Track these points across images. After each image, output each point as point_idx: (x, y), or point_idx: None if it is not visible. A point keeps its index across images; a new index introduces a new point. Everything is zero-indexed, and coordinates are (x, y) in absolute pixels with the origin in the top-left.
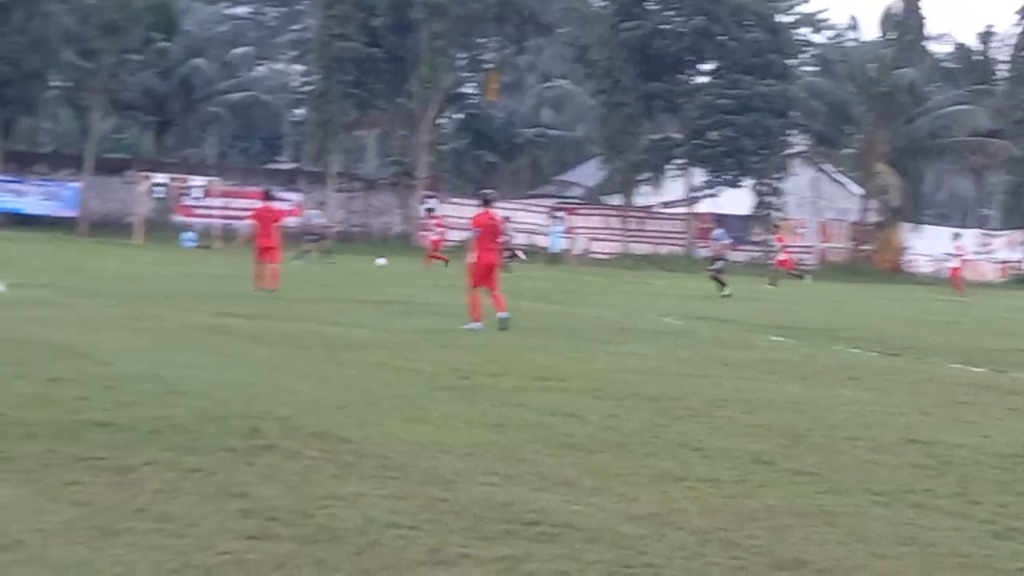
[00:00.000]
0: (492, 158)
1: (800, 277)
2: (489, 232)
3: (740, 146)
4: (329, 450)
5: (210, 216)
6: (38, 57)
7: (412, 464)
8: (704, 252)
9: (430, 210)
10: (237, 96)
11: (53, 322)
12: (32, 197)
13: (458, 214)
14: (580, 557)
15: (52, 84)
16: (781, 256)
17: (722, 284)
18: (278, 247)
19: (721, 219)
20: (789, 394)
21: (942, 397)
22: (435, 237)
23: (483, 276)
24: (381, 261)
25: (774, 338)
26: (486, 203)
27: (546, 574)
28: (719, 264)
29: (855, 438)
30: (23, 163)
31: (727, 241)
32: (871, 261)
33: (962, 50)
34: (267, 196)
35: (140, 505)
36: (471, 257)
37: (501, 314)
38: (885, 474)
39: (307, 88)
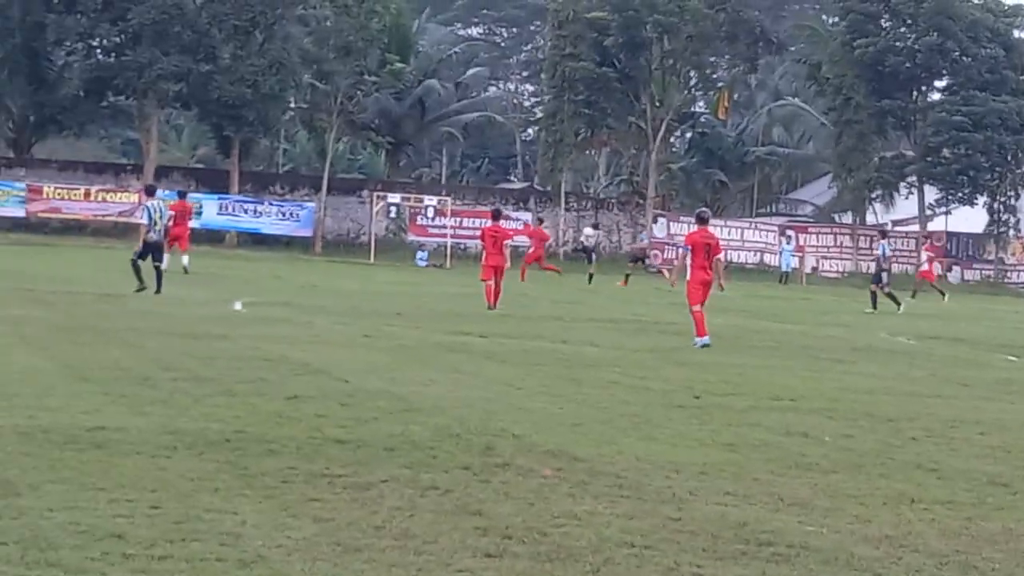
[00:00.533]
0: (722, 177)
1: (942, 293)
2: (702, 250)
3: (974, 163)
4: (563, 468)
5: (443, 235)
6: (276, 79)
7: (646, 483)
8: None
9: (540, 220)
10: (469, 116)
11: (291, 340)
12: (269, 217)
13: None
14: None
15: (290, 106)
16: (925, 267)
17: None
18: (501, 265)
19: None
20: None
21: None
22: (531, 251)
23: (702, 293)
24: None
25: (1011, 358)
26: (701, 221)
27: None
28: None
29: None
30: (261, 184)
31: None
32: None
33: None
34: (495, 216)
35: (379, 522)
36: (687, 275)
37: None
38: None
39: (538, 108)
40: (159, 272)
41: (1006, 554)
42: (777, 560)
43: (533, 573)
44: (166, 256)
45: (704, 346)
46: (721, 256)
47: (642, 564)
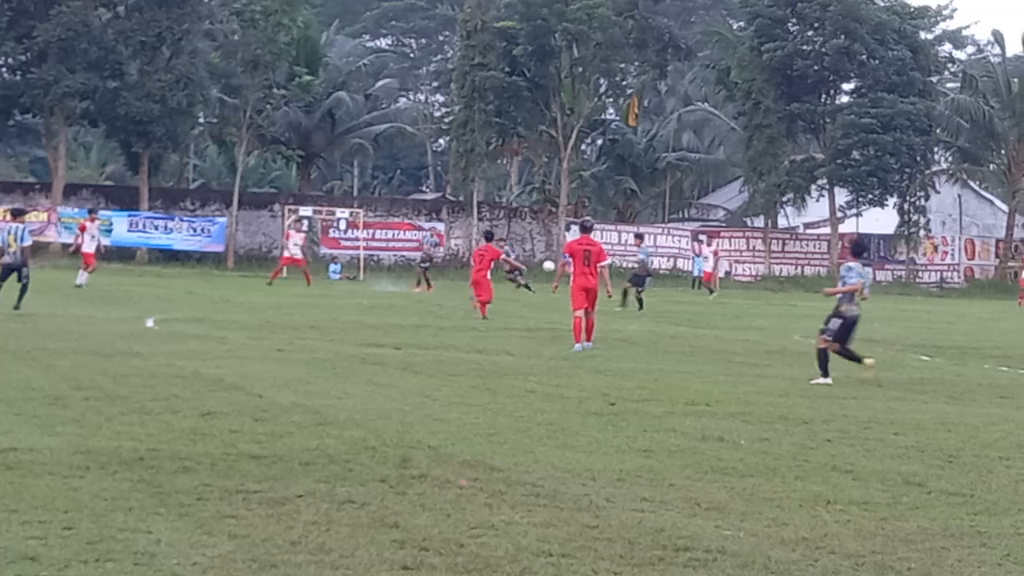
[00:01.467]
0: (633, 184)
1: (711, 292)
2: (581, 257)
3: (883, 165)
4: (480, 478)
5: (355, 248)
6: (184, 94)
7: (562, 491)
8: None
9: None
10: (380, 128)
11: (204, 355)
12: (180, 233)
13: (600, 240)
14: None
15: (198, 120)
16: (707, 267)
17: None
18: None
19: (640, 235)
20: (940, 414)
21: None
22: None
23: (584, 298)
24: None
25: (923, 358)
26: (584, 230)
27: None
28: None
29: (1009, 458)
30: (171, 199)
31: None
32: (1018, 278)
33: None
34: (488, 237)
35: (295, 537)
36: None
37: (585, 344)
38: None
39: (449, 118)
40: (24, 287)
41: (922, 553)
42: (694, 565)
43: None
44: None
45: (584, 349)
46: (607, 262)
47: (560, 572)
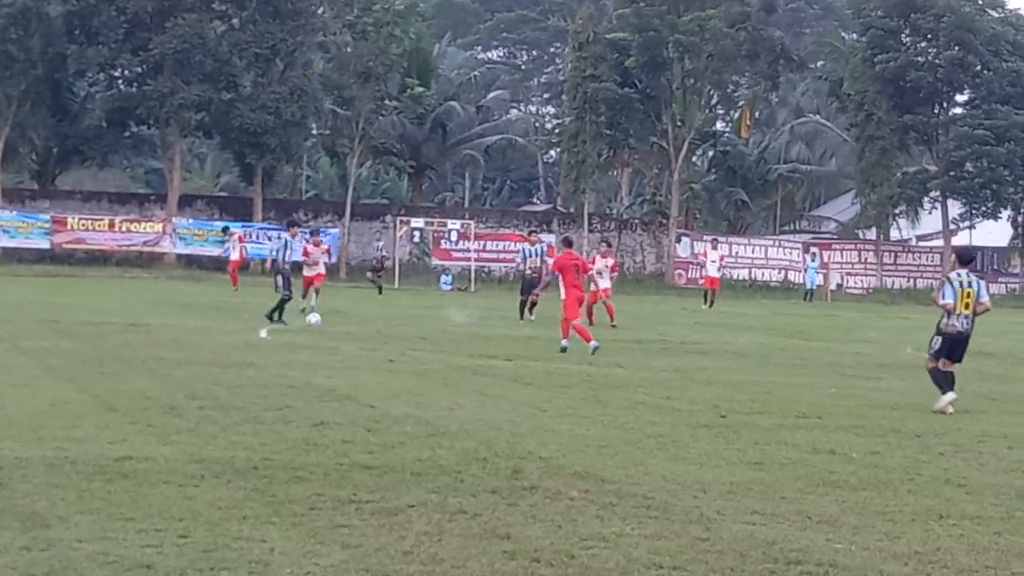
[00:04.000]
0: (744, 195)
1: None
2: (571, 271)
3: (997, 177)
4: (591, 490)
5: (466, 259)
6: (298, 106)
7: (673, 503)
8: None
9: (225, 228)
10: (491, 139)
11: (316, 366)
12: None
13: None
14: None
15: (311, 132)
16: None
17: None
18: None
19: (535, 231)
20: None
21: None
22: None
23: (576, 307)
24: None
25: None
26: (567, 244)
27: None
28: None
29: None
30: (285, 211)
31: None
32: None
33: None
34: (567, 243)
35: (407, 547)
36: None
37: (566, 342)
38: None
39: (560, 130)
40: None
41: None
42: None
43: None
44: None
45: (595, 350)
46: (592, 272)
47: None
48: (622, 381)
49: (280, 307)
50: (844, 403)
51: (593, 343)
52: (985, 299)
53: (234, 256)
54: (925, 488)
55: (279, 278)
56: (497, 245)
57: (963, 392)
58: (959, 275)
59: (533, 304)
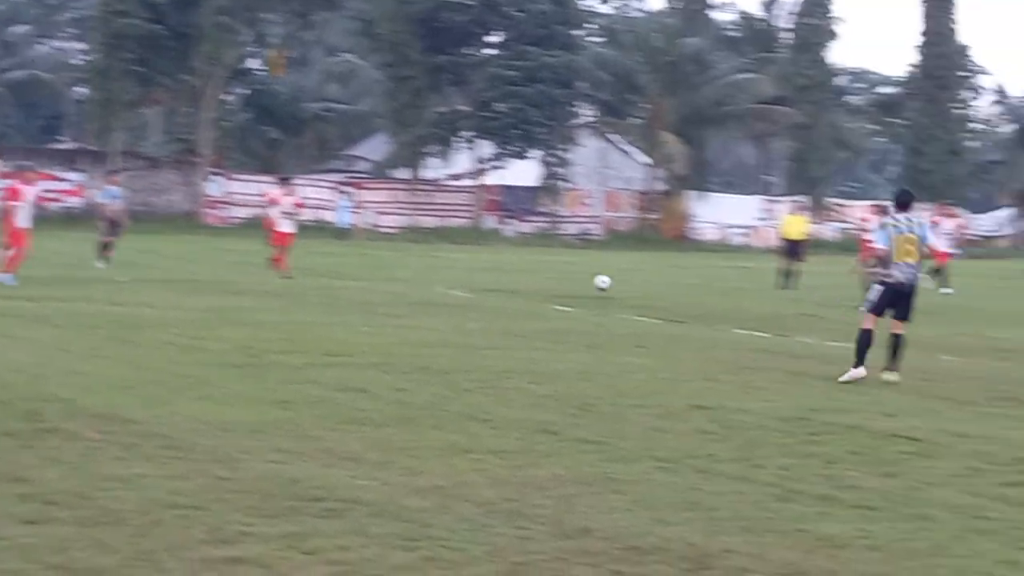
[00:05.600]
0: (277, 134)
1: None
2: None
3: (527, 117)
4: (112, 431)
5: None
6: None
7: (197, 443)
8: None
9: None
10: (16, 75)
11: None
12: None
13: (243, 191)
14: (365, 532)
15: None
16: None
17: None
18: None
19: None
20: (578, 363)
21: (727, 362)
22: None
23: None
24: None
25: (563, 308)
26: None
27: (330, 549)
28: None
29: (642, 405)
30: None
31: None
32: (657, 230)
33: (746, 19)
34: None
35: None
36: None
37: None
38: (671, 441)
39: (88, 66)
40: None
41: (554, 500)
42: (327, 515)
43: (77, 538)
44: None
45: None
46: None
47: (189, 525)
48: (152, 321)
49: None
50: (374, 341)
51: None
52: (933, 242)
53: None
54: (449, 424)
55: None
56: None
57: (491, 329)
58: (897, 220)
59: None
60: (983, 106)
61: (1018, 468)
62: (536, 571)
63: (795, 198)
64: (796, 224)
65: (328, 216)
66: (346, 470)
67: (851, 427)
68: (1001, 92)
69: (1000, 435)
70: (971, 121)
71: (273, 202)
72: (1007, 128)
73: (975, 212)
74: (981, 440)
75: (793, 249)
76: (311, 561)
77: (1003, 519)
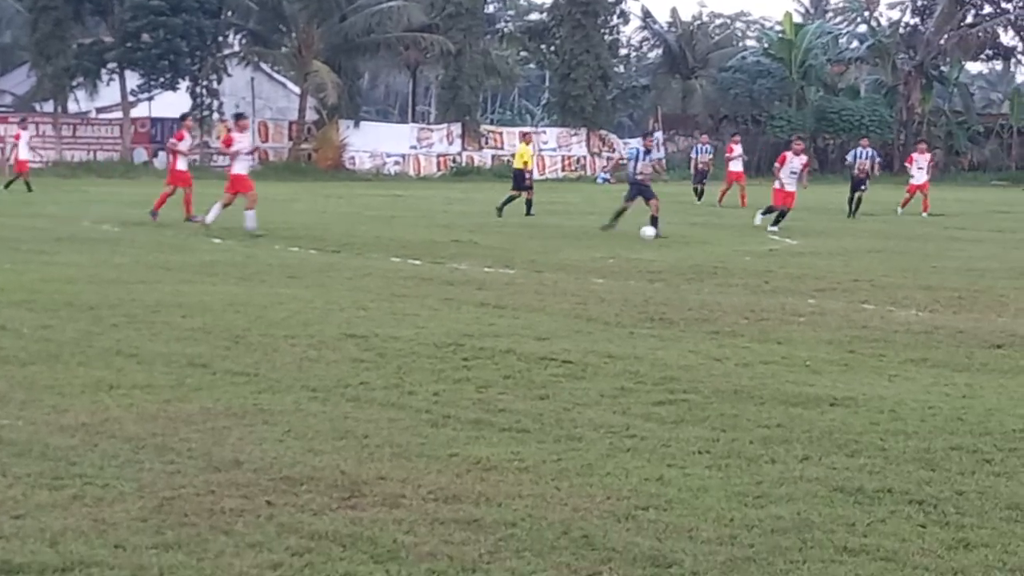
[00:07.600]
0: None
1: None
2: None
3: (174, 48)
4: None
5: None
6: None
7: None
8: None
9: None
10: None
11: None
12: None
13: None
14: (8, 471)
15: None
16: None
17: None
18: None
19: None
20: (229, 295)
21: (381, 291)
22: None
23: None
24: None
25: (215, 240)
26: None
27: None
28: None
29: (294, 336)
30: None
31: None
32: (311, 160)
33: None
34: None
35: None
36: None
37: None
38: (323, 370)
39: None
40: None
41: (203, 433)
42: None
43: None
44: None
45: None
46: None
47: None
48: None
49: None
50: (18, 279)
51: None
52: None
53: None
54: (96, 360)
55: None
56: None
57: (140, 263)
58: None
59: None
60: (630, 32)
61: (666, 387)
62: (186, 504)
63: (448, 125)
64: (521, 153)
65: None
66: None
67: (504, 351)
68: (648, 17)
69: (649, 355)
70: (619, 47)
71: None
72: (654, 54)
73: (626, 138)
74: (631, 360)
75: (518, 178)
76: None
77: (651, 437)
